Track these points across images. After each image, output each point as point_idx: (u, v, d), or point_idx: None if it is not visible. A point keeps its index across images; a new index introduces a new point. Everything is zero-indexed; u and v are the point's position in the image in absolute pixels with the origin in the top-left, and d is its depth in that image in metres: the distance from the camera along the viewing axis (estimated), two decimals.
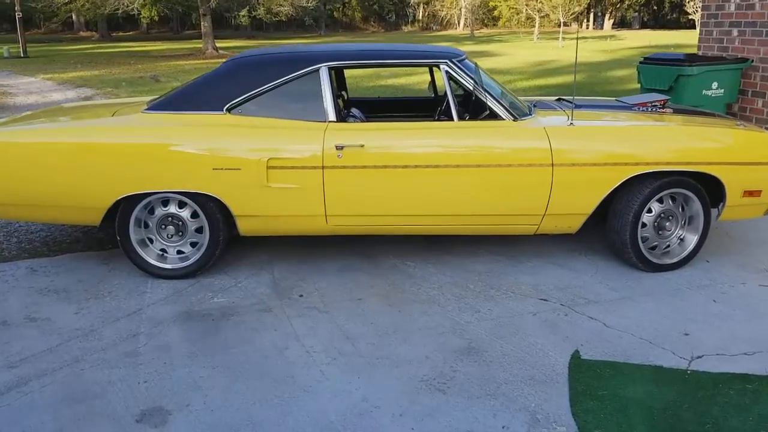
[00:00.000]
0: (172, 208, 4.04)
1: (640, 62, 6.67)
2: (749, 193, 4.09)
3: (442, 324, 3.53)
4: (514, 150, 3.93)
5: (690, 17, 40.54)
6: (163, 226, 4.07)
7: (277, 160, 3.87)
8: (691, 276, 4.11)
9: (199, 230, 4.08)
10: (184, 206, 4.04)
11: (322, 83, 4.01)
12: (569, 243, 4.64)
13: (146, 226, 4.08)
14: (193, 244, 4.10)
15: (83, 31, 49.24)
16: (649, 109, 4.56)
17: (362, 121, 4.47)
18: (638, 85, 6.76)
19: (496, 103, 4.05)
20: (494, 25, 56.67)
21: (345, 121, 4.19)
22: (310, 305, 3.77)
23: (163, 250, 4.11)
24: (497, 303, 3.77)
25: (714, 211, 4.24)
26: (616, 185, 3.97)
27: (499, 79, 15.83)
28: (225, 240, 4.10)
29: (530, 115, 4.18)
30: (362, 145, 3.89)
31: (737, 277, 4.09)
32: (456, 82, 4.12)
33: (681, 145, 3.99)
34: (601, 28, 51.94)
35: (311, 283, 4.05)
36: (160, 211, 4.04)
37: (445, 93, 4.08)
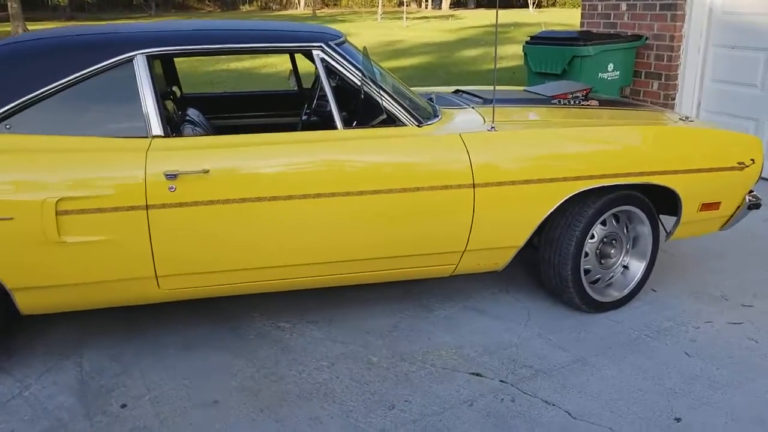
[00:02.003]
0: None
1: (527, 42, 5.82)
2: (707, 206, 3.27)
3: None
4: (421, 167, 2.83)
5: None
6: None
7: (73, 201, 2.52)
8: (644, 316, 3.23)
9: None
10: None
11: (138, 79, 2.69)
12: (484, 276, 3.65)
13: None
14: None
15: None
16: (572, 102, 3.64)
17: (205, 131, 3.17)
18: (517, 74, 5.91)
19: (395, 103, 2.92)
20: (335, 4, 55.70)
21: (179, 134, 2.90)
22: (138, 425, 2.46)
23: None
24: (415, 387, 2.67)
25: (664, 228, 3.40)
26: (555, 207, 3.00)
27: None
28: None
29: (437, 117, 3.10)
30: (207, 171, 2.62)
31: (698, 313, 3.27)
32: (336, 73, 2.95)
33: (630, 150, 3.08)
34: (440, 8, 52.60)
35: (140, 378, 2.74)
36: None
37: (320, 89, 2.89)
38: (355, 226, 2.82)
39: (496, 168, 2.89)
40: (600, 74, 5.55)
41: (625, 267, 3.35)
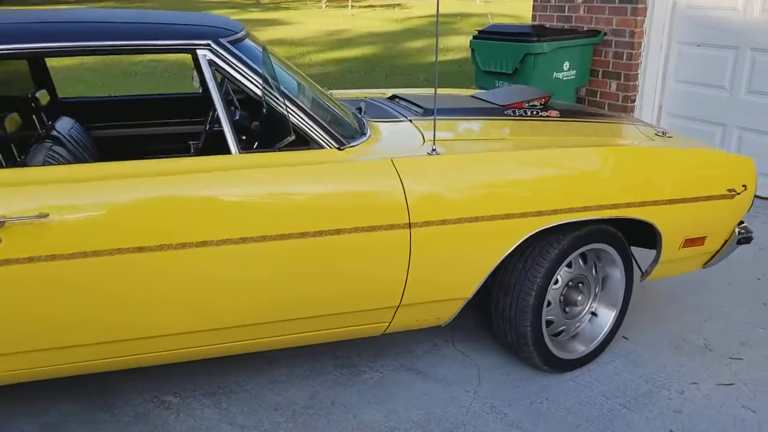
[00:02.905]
0: None
1: (474, 37, 5.21)
2: (690, 242, 2.72)
3: None
4: (342, 203, 2.18)
5: None
6: None
7: None
8: (617, 376, 2.67)
9: None
10: None
11: None
12: None
13: None
14: None
15: None
16: (528, 113, 3.04)
17: (75, 149, 2.46)
18: (465, 67, 5.30)
19: (308, 120, 2.26)
20: None
21: (25, 160, 2.18)
22: None
23: None
24: None
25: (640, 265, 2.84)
26: (511, 249, 2.40)
27: (291, 52, 13.98)
28: None
29: (364, 135, 2.45)
30: (45, 215, 1.92)
31: (680, 370, 2.72)
32: (230, 79, 2.27)
33: (603, 178, 2.50)
34: None
35: None
36: None
37: (213, 100, 2.21)
38: (253, 282, 2.15)
39: (438, 203, 2.27)
40: (555, 74, 4.99)
41: (593, 314, 2.78)
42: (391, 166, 2.25)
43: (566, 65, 5.03)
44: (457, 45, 13.91)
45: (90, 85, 9.18)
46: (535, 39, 4.80)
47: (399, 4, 44.54)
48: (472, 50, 5.24)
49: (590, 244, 2.57)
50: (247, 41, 2.38)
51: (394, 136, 2.57)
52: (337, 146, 2.29)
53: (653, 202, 2.53)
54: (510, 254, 2.43)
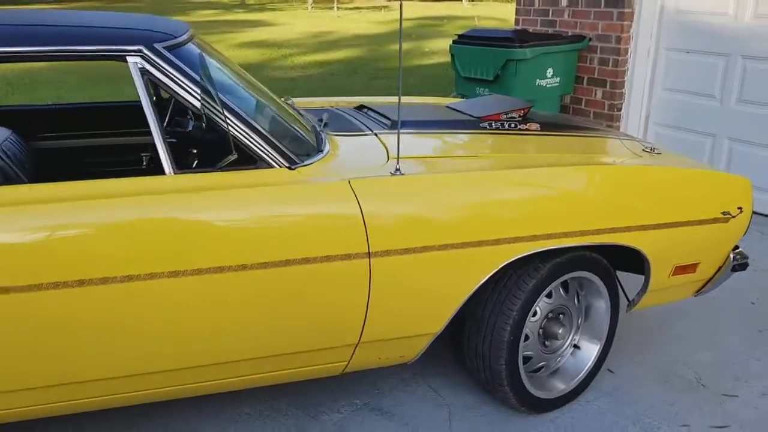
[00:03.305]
0: None
1: (454, 41, 4.97)
2: (681, 269, 2.49)
3: None
4: (292, 231, 1.93)
5: None
6: None
7: None
8: (601, 418, 2.43)
9: None
10: None
11: None
12: None
13: None
14: None
15: None
16: (506, 125, 2.80)
17: (2, 165, 2.19)
18: (451, 70, 5.07)
19: (253, 135, 2.00)
20: None
21: None
22: None
23: None
24: None
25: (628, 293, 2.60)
26: (484, 279, 2.15)
27: (274, 54, 13.74)
28: None
29: (321, 152, 2.20)
30: None
31: (670, 409, 2.48)
32: (166, 90, 2.01)
33: (586, 200, 2.26)
34: None
35: None
36: None
37: (145, 114, 1.95)
38: (185, 322, 1.90)
39: (402, 229, 2.02)
40: (538, 81, 4.76)
41: (576, 347, 2.54)
42: (348, 188, 2.00)
43: (550, 72, 4.80)
44: (443, 48, 13.69)
45: (69, 89, 8.86)
46: (517, 44, 4.57)
47: (386, 6, 44.40)
48: (452, 55, 5.00)
49: (572, 272, 2.33)
50: (190, 46, 2.12)
51: (356, 153, 2.32)
52: (287, 165, 2.03)
53: (640, 227, 2.30)
54: (483, 285, 2.18)
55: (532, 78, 4.71)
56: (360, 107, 2.99)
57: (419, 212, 2.05)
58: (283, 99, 3.04)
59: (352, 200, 1.98)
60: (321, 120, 2.58)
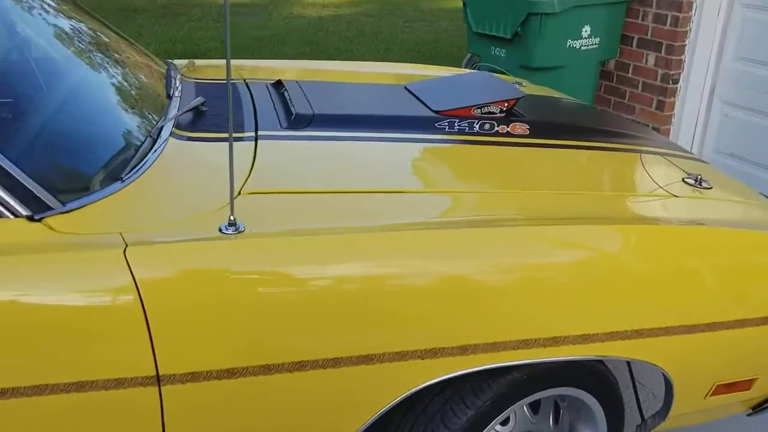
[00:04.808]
0: None
1: None
2: (728, 387, 1.54)
3: None
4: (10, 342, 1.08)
5: None
6: None
7: None
8: None
9: None
10: None
11: None
12: None
13: None
14: None
15: None
16: (476, 126, 1.84)
17: None
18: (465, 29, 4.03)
19: None
20: None
21: None
22: None
23: None
24: None
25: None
26: (373, 419, 1.27)
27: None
28: None
29: (117, 181, 1.31)
30: None
31: None
32: None
33: (566, 290, 1.32)
34: None
35: None
36: None
37: None
38: None
39: (216, 340, 1.14)
40: (570, 41, 3.70)
41: None
42: (120, 263, 1.12)
43: (586, 30, 3.73)
44: None
45: None
46: None
47: None
48: (464, 5, 3.96)
49: (543, 390, 1.42)
50: None
51: (191, 177, 1.42)
52: (26, 214, 1.16)
53: (658, 331, 1.36)
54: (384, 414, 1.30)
55: (561, 38, 3.66)
56: (277, 84, 2.07)
57: (253, 305, 1.17)
58: (186, 64, 2.18)
59: (127, 288, 1.11)
60: (201, 105, 1.71)
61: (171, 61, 2.27)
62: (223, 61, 2.52)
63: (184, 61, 2.29)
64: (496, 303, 1.28)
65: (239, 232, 1.21)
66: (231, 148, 1.21)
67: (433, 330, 1.23)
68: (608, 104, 4.27)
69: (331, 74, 2.41)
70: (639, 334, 1.34)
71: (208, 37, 8.44)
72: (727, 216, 1.59)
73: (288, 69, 2.48)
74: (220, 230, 1.21)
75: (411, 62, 7.37)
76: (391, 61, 7.30)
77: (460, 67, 4.09)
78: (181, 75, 2.07)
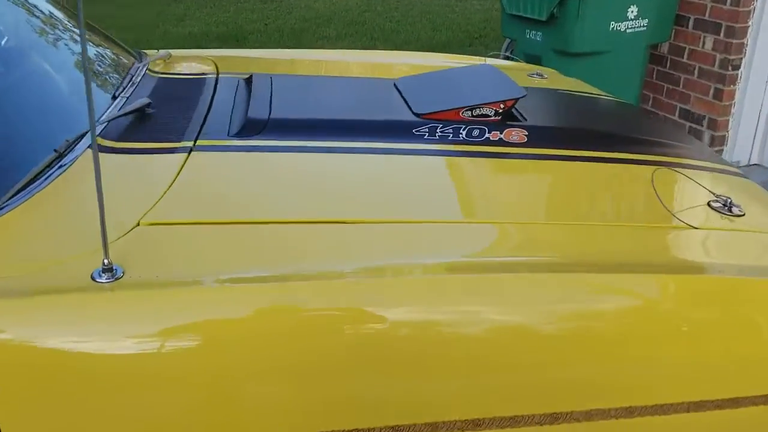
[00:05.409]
0: None
1: None
2: None
3: None
4: None
5: None
6: None
7: None
8: None
9: None
10: None
11: None
12: None
13: None
14: None
15: None
16: (463, 132, 1.55)
17: None
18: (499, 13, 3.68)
19: None
20: None
21: None
22: None
23: None
24: None
25: None
26: None
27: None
28: None
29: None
30: None
31: None
32: None
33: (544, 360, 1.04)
34: None
35: None
36: None
37: None
38: None
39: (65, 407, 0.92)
40: (613, 24, 3.32)
41: None
42: None
43: (632, 11, 3.34)
44: None
45: None
46: None
47: None
48: None
49: None
50: None
51: (83, 207, 1.19)
52: None
53: (664, 408, 1.06)
54: None
55: (603, 19, 3.28)
56: (249, 80, 1.82)
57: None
58: (161, 55, 1.97)
59: None
60: (141, 109, 1.48)
61: (144, 52, 2.06)
62: (205, 52, 2.29)
63: (164, 52, 2.07)
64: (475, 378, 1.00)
65: (115, 280, 0.97)
66: (96, 157, 0.96)
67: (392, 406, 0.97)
68: (660, 92, 3.86)
69: (319, 66, 2.15)
70: (631, 412, 1.04)
71: (253, 19, 8.24)
72: (749, 255, 1.26)
73: (281, 60, 2.21)
74: (92, 278, 0.97)
75: (456, 43, 7.00)
76: (435, 42, 6.96)
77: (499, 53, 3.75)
78: (148, 70, 1.84)
